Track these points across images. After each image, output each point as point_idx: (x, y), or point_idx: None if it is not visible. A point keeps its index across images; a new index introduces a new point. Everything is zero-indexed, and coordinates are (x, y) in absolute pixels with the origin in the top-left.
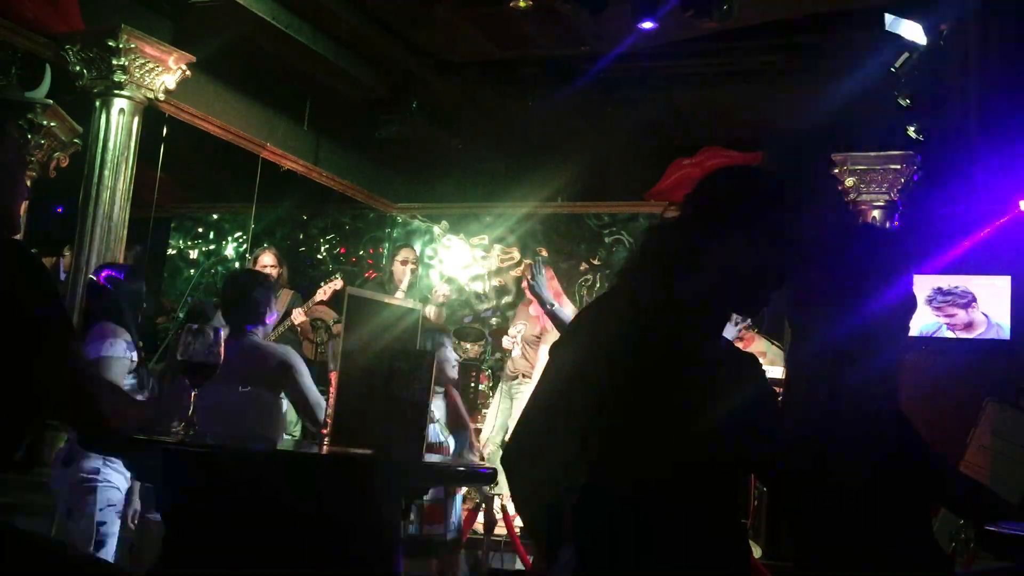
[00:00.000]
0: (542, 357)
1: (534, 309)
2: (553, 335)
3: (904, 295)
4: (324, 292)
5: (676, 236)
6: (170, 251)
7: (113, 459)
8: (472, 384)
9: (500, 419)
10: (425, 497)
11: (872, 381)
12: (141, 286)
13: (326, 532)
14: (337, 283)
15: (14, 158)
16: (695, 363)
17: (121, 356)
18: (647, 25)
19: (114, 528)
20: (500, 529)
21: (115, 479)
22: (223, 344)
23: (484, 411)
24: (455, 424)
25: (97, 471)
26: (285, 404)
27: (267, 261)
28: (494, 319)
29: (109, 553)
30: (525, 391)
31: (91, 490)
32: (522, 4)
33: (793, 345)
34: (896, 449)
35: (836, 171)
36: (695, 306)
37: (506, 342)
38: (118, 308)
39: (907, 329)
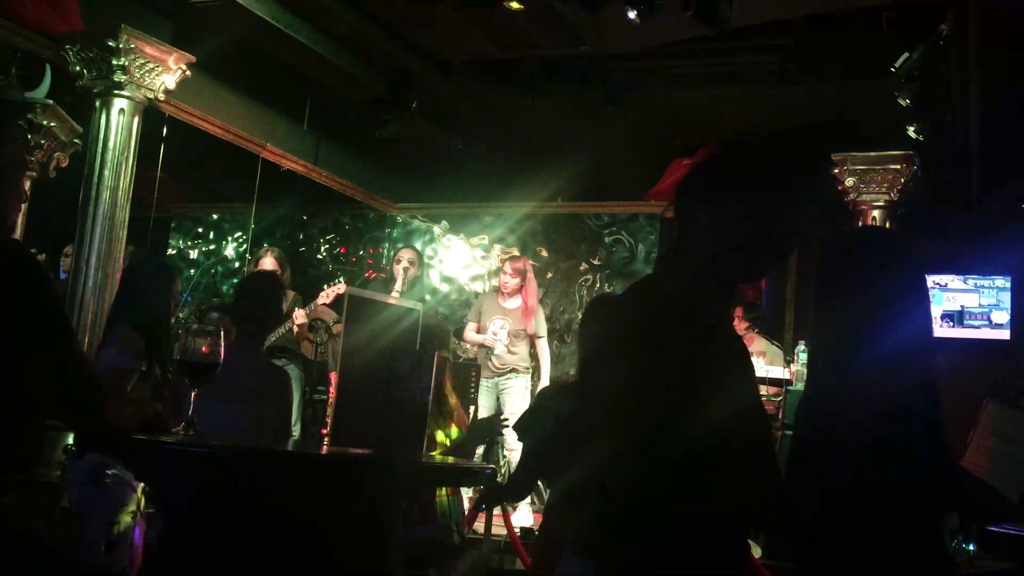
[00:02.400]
0: (543, 349)
1: (511, 303)
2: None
3: (915, 286)
4: (327, 295)
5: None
6: (170, 251)
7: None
8: (472, 384)
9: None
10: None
11: (888, 378)
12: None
13: (325, 532)
14: (341, 287)
15: (12, 160)
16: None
17: (132, 368)
18: (632, 15)
19: (127, 528)
20: (500, 529)
21: (128, 475)
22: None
23: None
24: None
25: (106, 465)
26: None
27: (269, 264)
28: None
29: (124, 555)
30: (515, 385)
31: (101, 488)
32: (514, 6)
33: (812, 344)
34: (918, 452)
35: (836, 171)
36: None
37: (488, 340)
38: (132, 306)
39: (922, 317)
